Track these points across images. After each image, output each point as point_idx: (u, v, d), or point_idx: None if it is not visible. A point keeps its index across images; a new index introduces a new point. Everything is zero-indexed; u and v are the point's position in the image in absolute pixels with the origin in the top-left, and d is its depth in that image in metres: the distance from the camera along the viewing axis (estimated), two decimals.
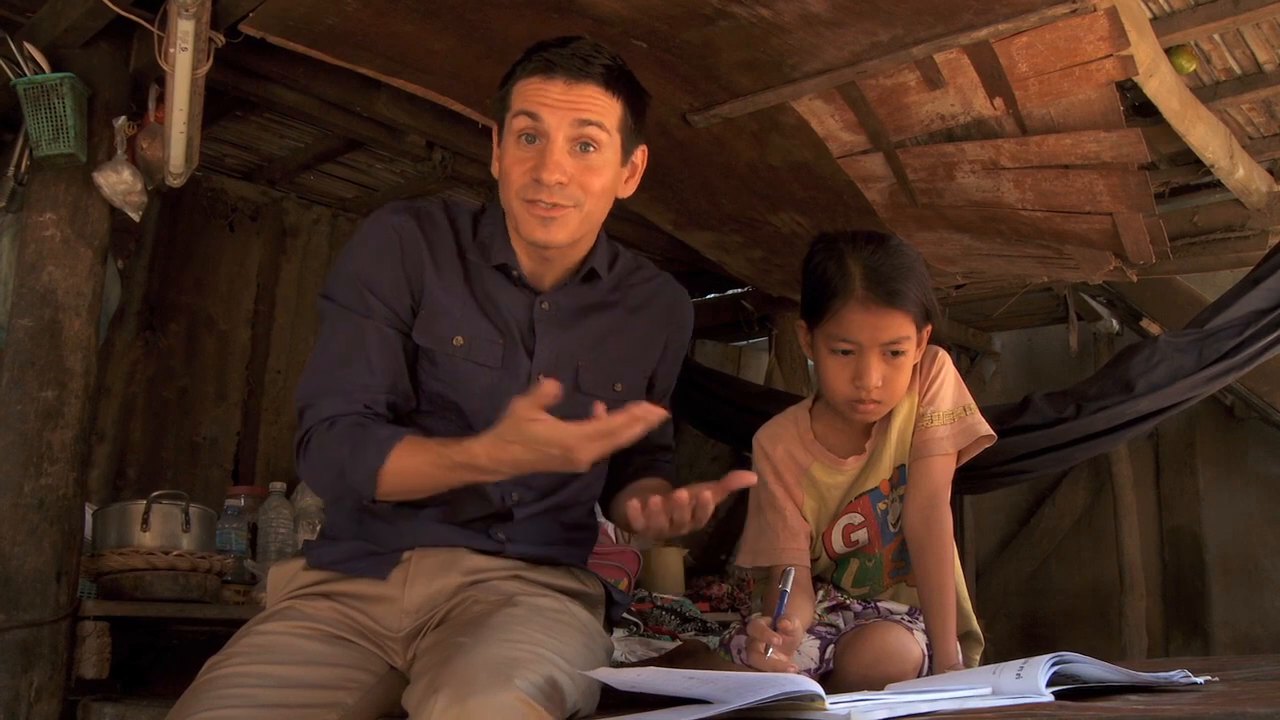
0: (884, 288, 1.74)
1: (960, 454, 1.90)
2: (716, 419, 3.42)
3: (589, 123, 1.61)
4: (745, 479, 1.51)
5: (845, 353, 1.79)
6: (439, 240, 1.71)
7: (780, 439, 1.96)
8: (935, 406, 1.88)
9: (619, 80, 1.65)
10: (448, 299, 1.69)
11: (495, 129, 1.72)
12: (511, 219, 1.68)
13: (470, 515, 1.68)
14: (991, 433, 1.89)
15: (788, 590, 1.61)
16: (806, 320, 1.86)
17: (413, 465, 1.55)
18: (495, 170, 1.71)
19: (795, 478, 1.93)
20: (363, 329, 1.65)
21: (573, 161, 1.61)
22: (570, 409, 1.69)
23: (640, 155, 1.74)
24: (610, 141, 1.64)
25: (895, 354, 1.78)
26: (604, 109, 1.62)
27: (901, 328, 1.77)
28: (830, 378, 1.82)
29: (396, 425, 1.63)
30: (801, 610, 1.79)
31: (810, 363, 4.48)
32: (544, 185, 1.59)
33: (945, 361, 1.90)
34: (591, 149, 1.62)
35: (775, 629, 1.56)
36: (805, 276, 1.87)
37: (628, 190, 1.76)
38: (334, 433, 1.60)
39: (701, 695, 1.23)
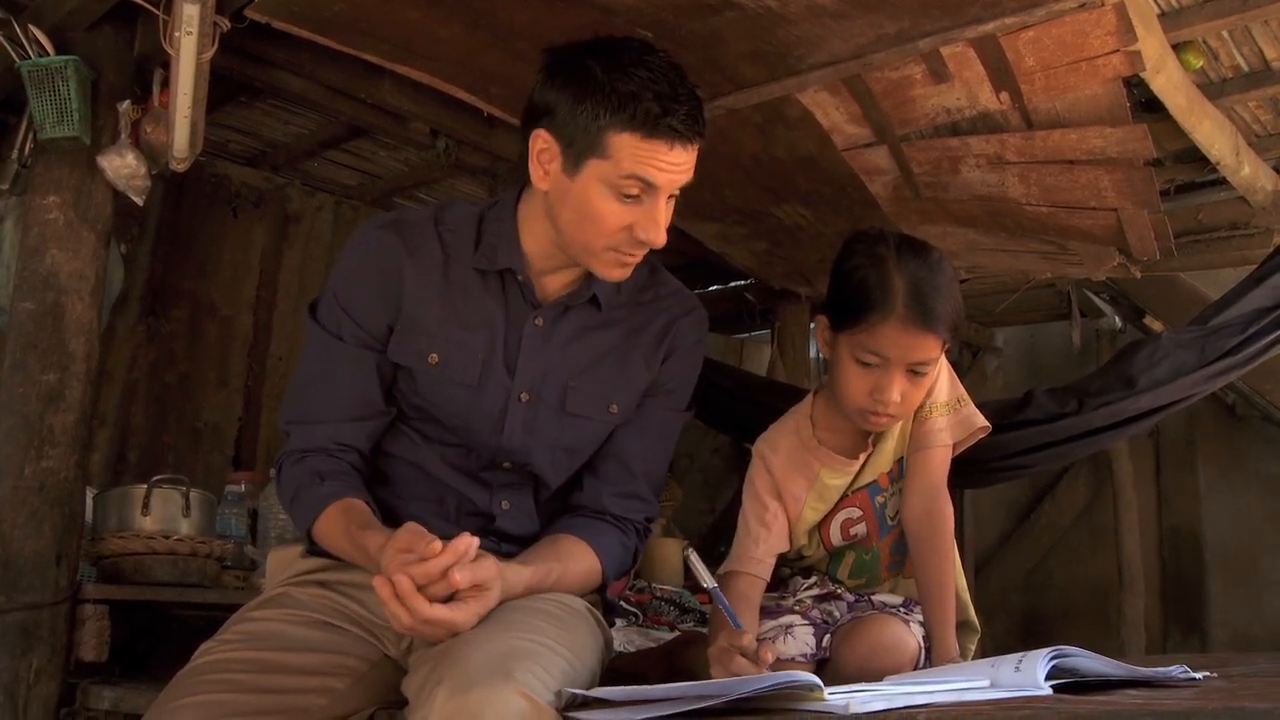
0: (924, 308, 1.70)
1: (955, 446, 1.89)
2: (718, 411, 3.42)
3: (685, 181, 1.60)
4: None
5: (870, 364, 1.75)
6: (422, 253, 1.67)
7: (781, 448, 1.92)
8: (933, 398, 1.86)
9: (704, 131, 1.61)
10: (425, 316, 1.66)
11: (550, 139, 1.57)
12: (581, 253, 1.61)
13: (460, 513, 1.70)
14: (987, 424, 1.88)
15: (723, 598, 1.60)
16: (832, 321, 1.81)
17: (332, 535, 1.59)
18: (543, 181, 1.60)
19: (802, 488, 1.90)
20: (336, 352, 1.67)
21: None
22: (559, 430, 1.70)
23: None
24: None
25: (919, 373, 1.75)
26: (694, 163, 1.60)
27: (933, 349, 1.74)
28: (848, 385, 1.78)
29: (346, 478, 1.64)
30: (749, 623, 1.77)
31: (816, 356, 4.51)
32: (643, 244, 1.58)
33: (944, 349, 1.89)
34: (674, 199, 1.61)
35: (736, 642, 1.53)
36: (840, 278, 1.80)
37: None
38: (295, 470, 1.66)
39: (702, 691, 1.23)
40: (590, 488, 1.76)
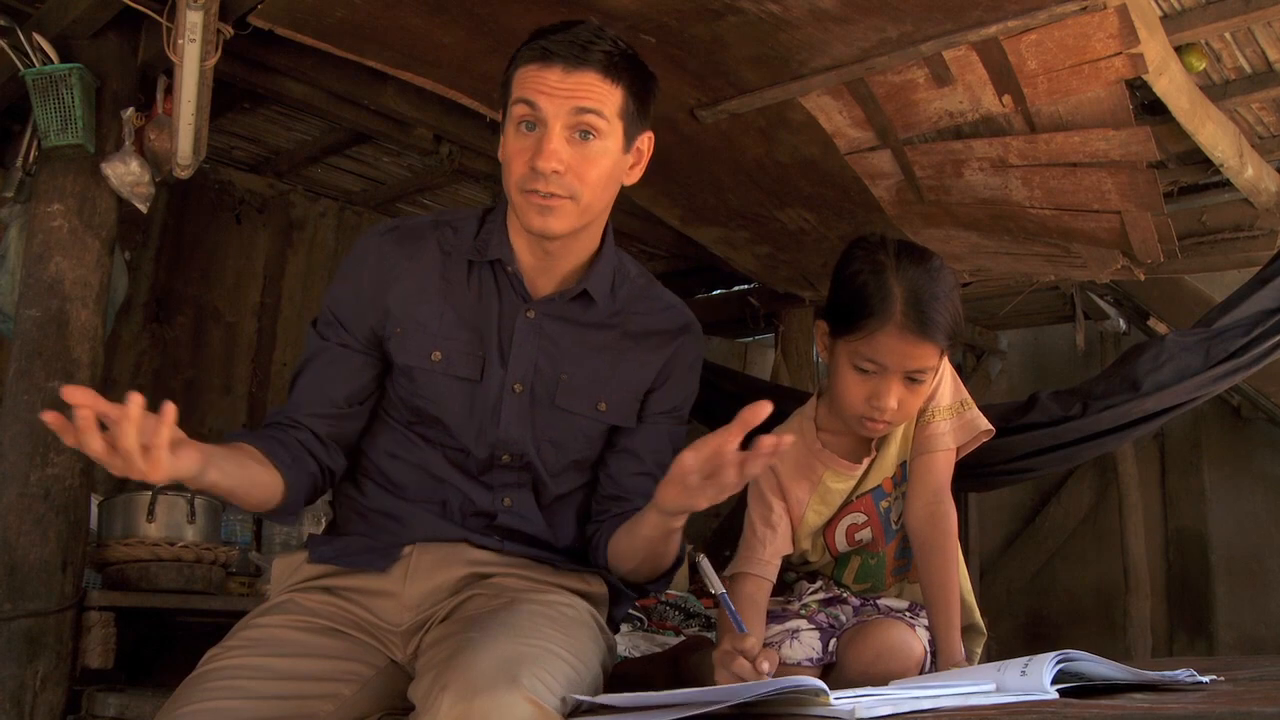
0: (923, 316, 1.69)
1: (959, 449, 1.88)
2: (722, 415, 3.41)
3: (587, 110, 1.57)
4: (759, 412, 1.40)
5: (867, 371, 1.74)
6: (420, 257, 1.69)
7: (787, 452, 1.93)
8: (936, 402, 1.86)
9: (620, 66, 1.60)
10: (425, 315, 1.67)
11: (502, 117, 1.68)
12: (513, 208, 1.65)
13: (464, 513, 1.70)
14: (990, 427, 1.88)
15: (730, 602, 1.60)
16: (831, 327, 1.80)
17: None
18: (501, 157, 1.68)
19: (805, 490, 1.90)
20: (320, 352, 1.70)
21: (571, 150, 1.57)
22: (547, 422, 1.70)
23: (645, 142, 1.69)
24: (611, 129, 1.60)
25: (917, 381, 1.75)
26: (603, 96, 1.58)
27: (930, 357, 1.73)
28: (846, 391, 1.78)
29: (266, 436, 1.63)
30: (755, 626, 1.77)
31: (818, 359, 4.50)
32: (540, 174, 1.56)
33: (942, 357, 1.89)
34: (591, 137, 1.58)
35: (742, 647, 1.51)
36: (839, 284, 1.79)
37: (633, 178, 1.71)
38: None
39: (707, 697, 1.23)
40: (607, 477, 1.76)
